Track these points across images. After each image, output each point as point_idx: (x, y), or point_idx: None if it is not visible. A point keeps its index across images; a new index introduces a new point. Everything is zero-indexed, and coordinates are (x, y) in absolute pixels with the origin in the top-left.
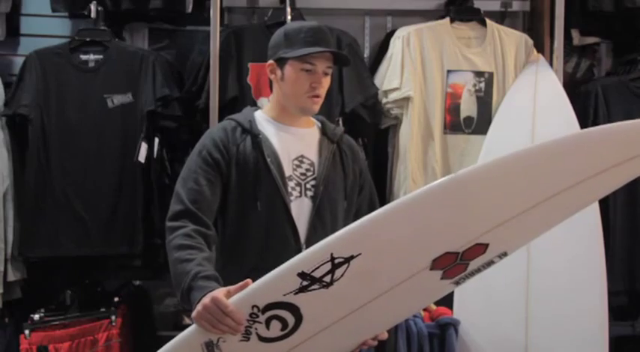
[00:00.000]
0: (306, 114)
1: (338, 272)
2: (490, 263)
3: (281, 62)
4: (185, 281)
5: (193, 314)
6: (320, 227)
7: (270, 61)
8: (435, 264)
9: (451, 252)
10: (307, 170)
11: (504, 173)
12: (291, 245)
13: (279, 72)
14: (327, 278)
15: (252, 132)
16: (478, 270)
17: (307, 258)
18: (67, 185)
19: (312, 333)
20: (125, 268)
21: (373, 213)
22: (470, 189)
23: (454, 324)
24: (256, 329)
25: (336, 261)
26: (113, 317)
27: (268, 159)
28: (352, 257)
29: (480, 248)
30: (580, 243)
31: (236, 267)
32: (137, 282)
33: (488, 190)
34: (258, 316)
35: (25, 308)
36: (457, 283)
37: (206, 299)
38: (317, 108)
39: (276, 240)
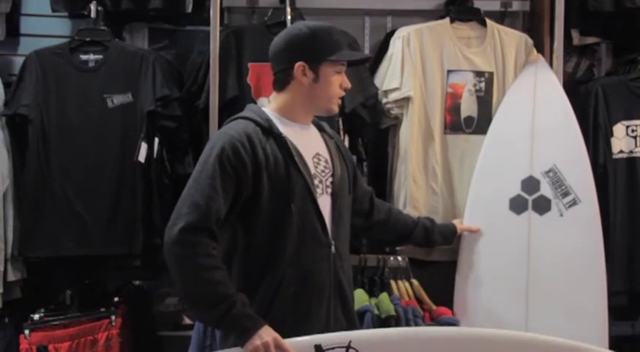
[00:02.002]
0: (329, 114)
1: None
2: None
3: (315, 63)
4: (229, 307)
5: (249, 347)
6: (340, 222)
7: (301, 62)
8: None
9: None
10: (325, 167)
11: None
12: (323, 241)
13: (310, 73)
14: None
15: (274, 133)
16: None
17: (329, 336)
18: (67, 185)
19: None
20: (125, 268)
21: (405, 331)
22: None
23: (454, 324)
24: None
25: (351, 350)
26: (113, 317)
27: (296, 159)
28: None
29: None
30: (580, 243)
31: (271, 269)
32: (137, 282)
33: None
34: None
35: (25, 308)
36: None
37: (267, 337)
38: (338, 109)
39: (310, 238)
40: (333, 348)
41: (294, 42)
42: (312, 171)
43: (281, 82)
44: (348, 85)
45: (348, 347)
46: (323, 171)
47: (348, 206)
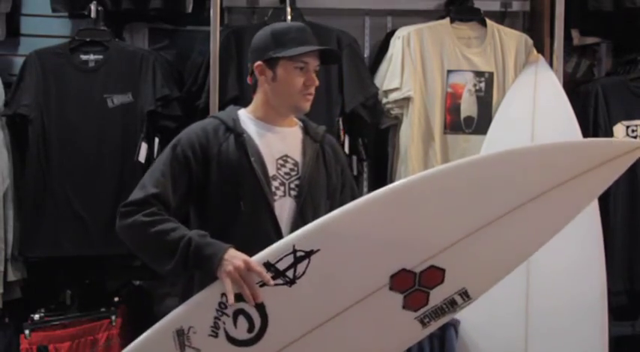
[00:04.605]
0: (298, 112)
1: (300, 267)
2: (453, 303)
3: (271, 62)
4: (187, 244)
5: (222, 274)
6: (303, 226)
7: (259, 62)
8: (394, 283)
9: (407, 269)
10: (291, 170)
11: (458, 180)
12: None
13: (269, 72)
14: (290, 274)
15: (235, 131)
16: (442, 310)
17: (272, 249)
18: (67, 185)
19: (277, 346)
20: (125, 268)
21: (332, 212)
22: (423, 194)
23: (454, 324)
24: (224, 323)
25: (298, 253)
26: (113, 317)
27: (252, 159)
28: (312, 251)
29: (437, 273)
30: (580, 242)
31: None
32: (137, 282)
33: (442, 197)
34: (226, 306)
35: (25, 308)
36: (423, 322)
37: (238, 262)
38: (309, 106)
39: (260, 239)
40: (281, 259)
41: (254, 43)
42: (272, 172)
43: (252, 84)
44: (313, 82)
45: (294, 252)
46: (288, 174)
47: (318, 210)
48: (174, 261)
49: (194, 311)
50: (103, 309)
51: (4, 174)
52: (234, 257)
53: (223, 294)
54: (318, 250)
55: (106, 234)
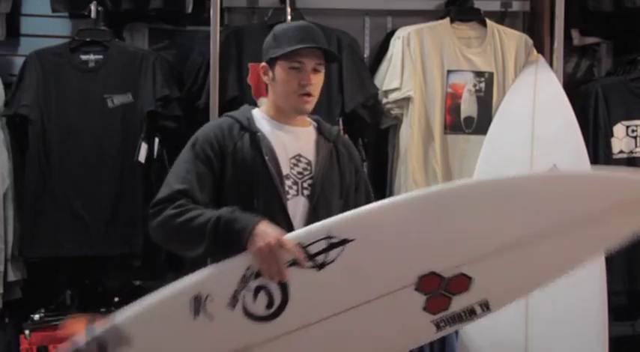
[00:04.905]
0: (300, 113)
1: (332, 254)
2: (472, 312)
3: (271, 63)
4: (216, 222)
5: (252, 249)
6: None
7: (263, 64)
8: (421, 284)
9: (437, 273)
10: (304, 169)
11: (505, 195)
12: None
13: (270, 73)
14: (321, 258)
15: (250, 130)
16: (460, 318)
17: (306, 231)
18: (67, 185)
19: (292, 327)
20: (125, 268)
21: (377, 203)
22: (467, 202)
23: None
24: (244, 296)
25: (332, 240)
26: None
27: (266, 158)
28: (347, 240)
29: (464, 281)
30: None
31: None
32: (137, 282)
33: (486, 208)
34: (249, 280)
35: (25, 308)
36: (438, 326)
37: (270, 238)
38: (310, 107)
39: None
40: (313, 242)
41: (263, 45)
42: (286, 171)
43: (265, 85)
44: (308, 81)
45: (328, 238)
46: (301, 173)
47: (331, 210)
48: (205, 242)
49: (215, 280)
50: (103, 309)
51: (4, 174)
52: (266, 233)
53: (248, 267)
54: (353, 240)
55: (106, 234)
